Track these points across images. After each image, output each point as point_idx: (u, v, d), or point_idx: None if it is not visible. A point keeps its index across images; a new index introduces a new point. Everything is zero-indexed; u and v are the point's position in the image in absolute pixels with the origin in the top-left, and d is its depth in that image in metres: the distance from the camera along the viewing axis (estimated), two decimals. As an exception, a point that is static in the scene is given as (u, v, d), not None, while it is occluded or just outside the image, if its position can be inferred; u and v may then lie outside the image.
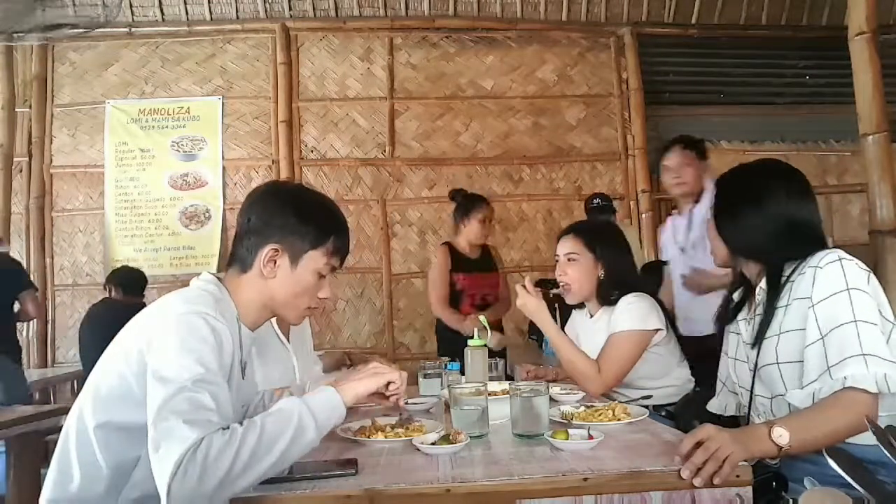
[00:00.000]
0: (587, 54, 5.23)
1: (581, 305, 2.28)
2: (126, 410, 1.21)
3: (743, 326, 1.53)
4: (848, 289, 1.28)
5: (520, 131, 5.12)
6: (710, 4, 5.20)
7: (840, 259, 1.32)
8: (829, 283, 1.30)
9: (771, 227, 1.42)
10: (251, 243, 1.34)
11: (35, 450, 2.52)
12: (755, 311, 1.48)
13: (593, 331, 2.16)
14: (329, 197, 1.47)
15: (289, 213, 1.34)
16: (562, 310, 2.43)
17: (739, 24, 5.28)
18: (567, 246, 2.16)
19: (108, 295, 3.93)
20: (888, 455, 1.00)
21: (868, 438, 1.15)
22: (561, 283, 2.16)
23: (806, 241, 1.41)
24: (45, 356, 4.84)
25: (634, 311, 1.99)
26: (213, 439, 1.04)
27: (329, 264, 1.37)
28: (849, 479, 0.96)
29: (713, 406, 1.69)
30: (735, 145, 5.16)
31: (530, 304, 2.00)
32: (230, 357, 1.24)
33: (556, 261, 2.20)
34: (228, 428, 1.08)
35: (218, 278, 1.37)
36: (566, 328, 2.42)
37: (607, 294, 2.10)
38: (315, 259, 1.34)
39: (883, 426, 1.09)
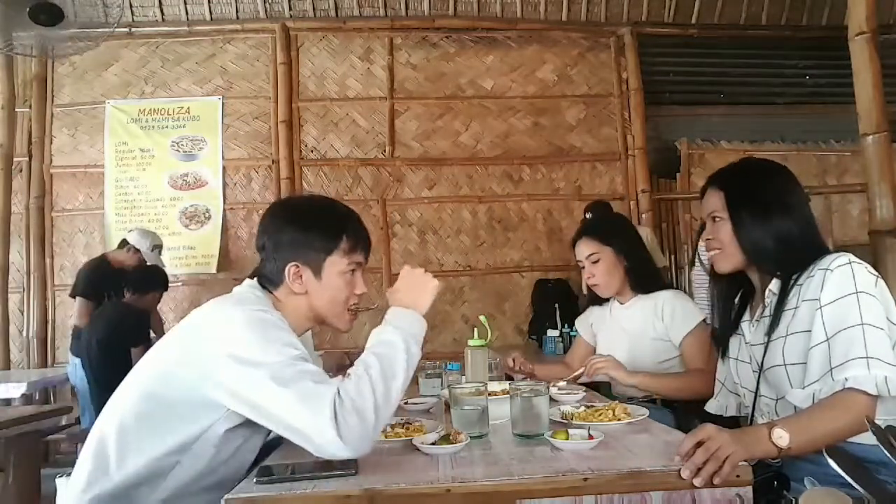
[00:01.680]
0: (587, 54, 5.23)
1: (600, 302, 2.33)
2: (176, 416, 1.22)
3: (746, 328, 1.53)
4: (857, 292, 1.27)
5: (520, 131, 5.12)
6: (710, 4, 5.20)
7: (850, 262, 1.31)
8: (838, 285, 1.29)
9: (797, 233, 1.41)
10: (273, 265, 1.38)
11: (35, 450, 2.52)
12: (761, 313, 1.47)
13: (625, 317, 2.22)
14: (328, 197, 1.49)
15: (292, 229, 1.37)
16: (561, 309, 2.45)
17: (739, 24, 5.28)
18: (585, 249, 2.21)
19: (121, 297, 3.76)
20: (888, 455, 1.00)
21: (868, 438, 1.15)
22: (590, 284, 2.22)
23: (817, 244, 1.43)
24: (45, 356, 4.83)
25: (689, 307, 2.10)
26: (346, 386, 1.13)
27: (352, 262, 1.41)
28: (849, 479, 0.96)
29: (711, 407, 1.69)
30: (735, 145, 5.16)
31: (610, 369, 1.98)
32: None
33: (581, 267, 2.25)
34: (347, 376, 1.16)
35: (262, 286, 1.40)
36: (577, 323, 2.47)
37: (637, 281, 2.18)
38: (335, 263, 1.38)
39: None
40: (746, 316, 1.55)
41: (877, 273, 1.33)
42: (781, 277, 1.42)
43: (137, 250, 4.10)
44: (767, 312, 1.44)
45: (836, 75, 4.79)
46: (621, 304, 2.25)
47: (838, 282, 1.30)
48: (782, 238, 1.41)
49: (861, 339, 1.24)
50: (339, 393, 1.11)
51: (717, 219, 1.49)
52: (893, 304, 1.32)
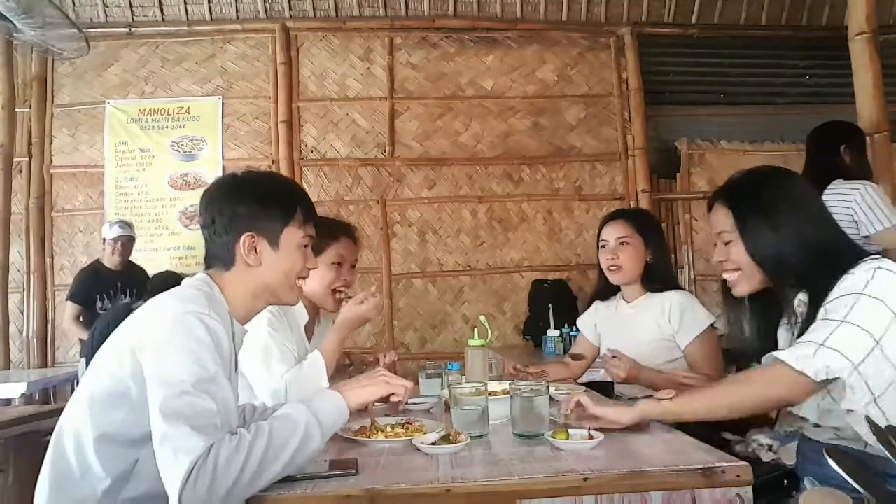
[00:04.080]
0: (587, 54, 5.23)
1: (604, 297, 2.34)
2: (122, 414, 1.21)
3: (781, 334, 1.48)
4: (860, 293, 1.22)
5: (520, 131, 5.11)
6: (710, 4, 5.20)
7: (879, 268, 1.24)
8: (851, 285, 1.25)
9: (818, 240, 1.34)
10: (224, 240, 1.34)
11: (35, 450, 2.52)
12: (794, 320, 1.41)
13: (631, 316, 2.22)
14: (278, 173, 1.48)
15: (249, 200, 1.35)
16: (556, 309, 2.46)
17: (739, 24, 5.28)
18: (618, 230, 2.20)
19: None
20: (888, 455, 1.00)
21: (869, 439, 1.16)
22: (610, 266, 2.19)
23: (846, 246, 1.37)
24: (45, 356, 4.83)
25: (698, 310, 2.09)
26: (222, 447, 1.05)
27: (306, 234, 1.40)
28: (849, 479, 0.96)
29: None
30: (735, 145, 5.15)
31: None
32: (228, 353, 1.24)
33: (604, 245, 2.22)
34: (236, 433, 1.09)
35: (210, 276, 1.37)
36: (579, 322, 2.47)
37: (653, 280, 2.18)
38: (292, 234, 1.37)
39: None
40: (784, 322, 1.47)
41: None
42: (809, 291, 1.34)
43: (104, 240, 4.20)
44: (798, 319, 1.38)
45: (836, 75, 4.78)
46: (627, 302, 2.25)
47: (851, 282, 1.24)
48: (803, 248, 1.33)
49: (830, 329, 1.20)
50: (209, 451, 1.04)
51: (728, 239, 1.42)
52: None
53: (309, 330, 2.13)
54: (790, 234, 1.34)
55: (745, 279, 1.41)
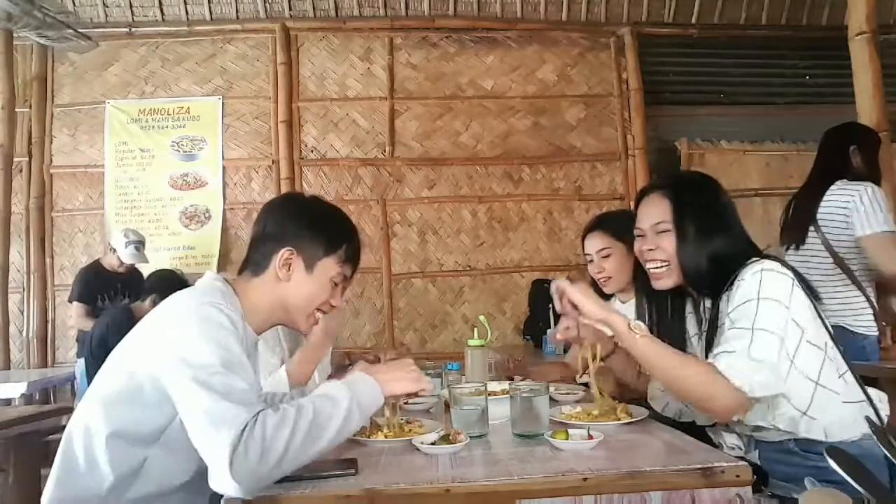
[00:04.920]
0: (587, 54, 5.23)
1: (603, 300, 2.31)
2: (135, 412, 1.22)
3: (696, 342, 1.53)
4: (758, 298, 1.28)
5: (520, 131, 5.11)
6: (710, 4, 5.20)
7: (762, 270, 1.31)
8: (744, 292, 1.31)
9: (732, 253, 1.41)
10: (266, 248, 1.37)
11: (35, 450, 2.52)
12: (703, 328, 1.48)
13: (627, 315, 2.18)
14: (341, 209, 1.50)
15: (304, 220, 1.38)
16: (555, 307, 2.44)
17: (739, 24, 5.28)
18: (597, 243, 2.19)
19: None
20: (888, 455, 1.00)
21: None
22: (599, 278, 2.18)
23: (745, 257, 1.42)
24: (45, 356, 4.83)
25: None
26: (268, 418, 1.07)
27: (342, 273, 1.41)
28: (849, 479, 0.96)
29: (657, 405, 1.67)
30: (735, 145, 5.15)
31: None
32: (244, 345, 1.26)
33: (589, 261, 2.22)
34: (279, 409, 1.10)
35: (224, 278, 1.39)
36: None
37: (645, 280, 2.14)
38: (329, 266, 1.38)
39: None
40: (696, 331, 1.55)
41: (791, 276, 1.32)
42: (712, 295, 1.42)
43: (114, 250, 4.14)
44: (704, 327, 1.45)
45: (836, 75, 4.77)
46: (622, 302, 2.25)
47: (745, 289, 1.30)
48: (718, 259, 1.39)
49: (747, 339, 1.25)
50: (255, 422, 1.06)
51: (664, 229, 1.45)
52: (807, 306, 1.32)
53: None
54: (715, 240, 1.40)
55: (671, 273, 1.46)
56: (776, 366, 1.25)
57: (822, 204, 2.48)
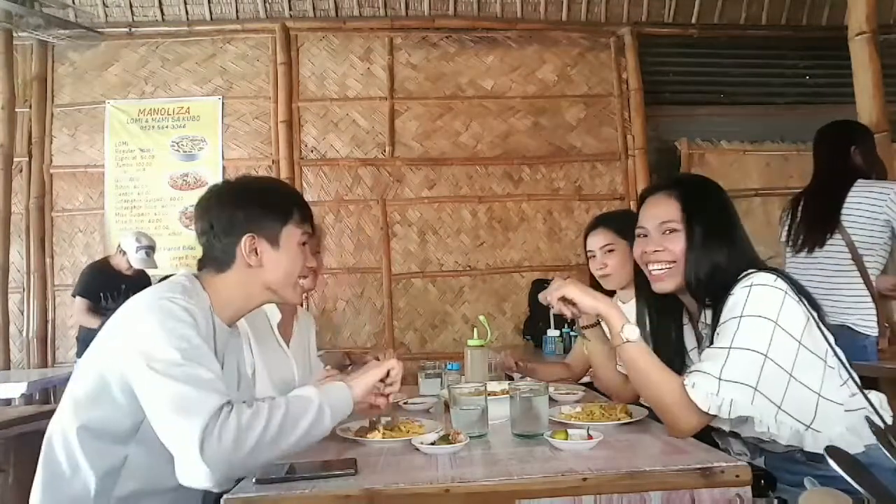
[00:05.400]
0: (587, 54, 5.23)
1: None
2: (104, 411, 1.22)
3: (695, 356, 1.51)
4: (741, 316, 1.26)
5: (520, 131, 5.11)
6: (710, 4, 5.20)
7: (752, 286, 1.29)
8: (729, 308, 1.30)
9: (736, 262, 1.38)
10: (224, 243, 1.36)
11: (35, 450, 2.52)
12: (704, 342, 1.44)
13: (627, 314, 2.19)
14: (269, 176, 1.52)
15: (247, 202, 1.37)
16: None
17: (739, 24, 5.28)
18: (601, 239, 2.20)
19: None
20: (888, 455, 1.00)
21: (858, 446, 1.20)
22: (600, 274, 2.19)
23: (743, 269, 1.39)
24: (45, 356, 4.84)
25: None
26: (243, 408, 1.10)
27: (304, 232, 1.42)
28: (849, 479, 0.96)
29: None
30: (735, 145, 5.14)
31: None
32: (206, 337, 1.25)
33: (591, 257, 2.22)
34: (253, 405, 1.13)
35: (194, 274, 1.39)
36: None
37: (646, 279, 2.15)
38: (291, 233, 1.39)
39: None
40: (694, 345, 1.52)
41: (784, 289, 1.28)
42: (712, 307, 1.38)
43: (125, 252, 4.13)
44: (706, 343, 1.40)
45: (836, 75, 4.77)
46: (623, 302, 2.24)
47: (731, 305, 1.29)
48: (722, 266, 1.36)
49: (721, 360, 1.25)
50: (230, 410, 1.08)
51: (672, 228, 1.42)
52: (802, 317, 1.29)
53: (287, 329, 2.07)
54: (721, 247, 1.37)
55: (673, 275, 1.42)
56: (749, 387, 1.23)
57: (847, 204, 2.46)
